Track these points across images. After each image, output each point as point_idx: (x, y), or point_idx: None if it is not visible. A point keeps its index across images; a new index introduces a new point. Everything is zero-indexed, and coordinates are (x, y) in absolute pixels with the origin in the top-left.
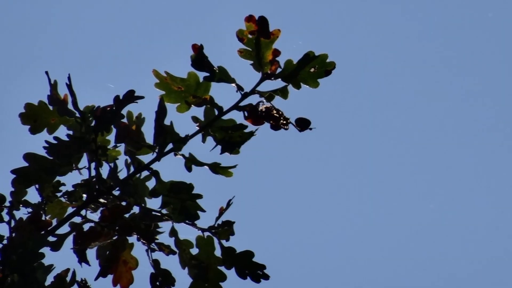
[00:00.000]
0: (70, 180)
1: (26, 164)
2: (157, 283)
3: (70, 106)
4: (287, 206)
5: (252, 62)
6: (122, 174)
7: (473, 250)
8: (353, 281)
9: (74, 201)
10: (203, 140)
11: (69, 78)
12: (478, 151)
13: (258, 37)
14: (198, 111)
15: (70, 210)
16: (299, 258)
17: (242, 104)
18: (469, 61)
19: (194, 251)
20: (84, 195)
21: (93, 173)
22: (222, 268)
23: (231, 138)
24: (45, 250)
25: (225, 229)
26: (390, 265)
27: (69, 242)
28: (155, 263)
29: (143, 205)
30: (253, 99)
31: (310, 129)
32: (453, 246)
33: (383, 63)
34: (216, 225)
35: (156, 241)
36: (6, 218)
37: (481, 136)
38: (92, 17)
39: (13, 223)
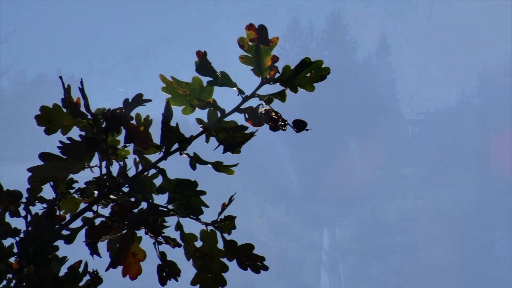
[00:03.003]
0: (82, 177)
1: (42, 163)
2: (164, 274)
3: (82, 108)
4: (285, 202)
5: (252, 67)
6: (131, 172)
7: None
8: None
9: (86, 197)
10: (207, 140)
11: (81, 83)
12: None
13: (258, 44)
14: (202, 113)
15: (82, 205)
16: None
17: (243, 106)
18: None
19: (198, 244)
20: (96, 192)
21: (104, 171)
22: (224, 260)
23: (233, 139)
24: (59, 243)
25: (227, 223)
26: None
27: (81, 235)
28: (162, 255)
29: (150, 201)
30: (253, 102)
31: (307, 129)
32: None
33: (377, 67)
34: (218, 220)
35: (163, 234)
36: (23, 213)
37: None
38: (102, 27)
39: (29, 218)
